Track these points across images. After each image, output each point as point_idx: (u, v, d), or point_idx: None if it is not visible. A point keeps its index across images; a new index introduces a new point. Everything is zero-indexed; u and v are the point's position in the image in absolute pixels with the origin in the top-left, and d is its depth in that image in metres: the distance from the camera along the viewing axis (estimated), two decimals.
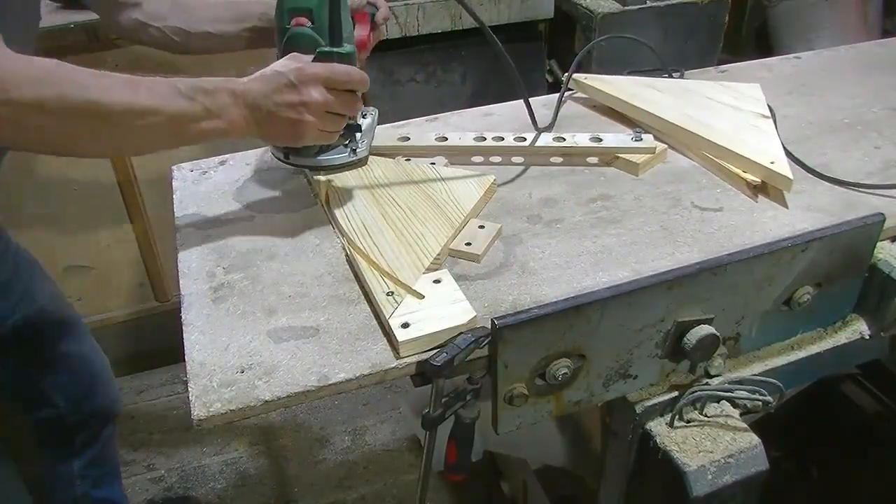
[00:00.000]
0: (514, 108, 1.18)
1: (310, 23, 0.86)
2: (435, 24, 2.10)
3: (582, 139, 1.02)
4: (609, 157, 1.02)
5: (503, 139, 1.03)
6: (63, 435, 1.34)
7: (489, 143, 1.03)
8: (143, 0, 1.05)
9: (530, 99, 1.22)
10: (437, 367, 0.67)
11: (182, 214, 0.95)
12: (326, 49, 0.82)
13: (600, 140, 1.01)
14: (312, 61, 0.81)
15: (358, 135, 0.95)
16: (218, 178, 1.03)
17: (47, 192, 1.77)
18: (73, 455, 1.37)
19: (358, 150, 0.96)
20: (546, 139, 1.03)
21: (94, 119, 0.70)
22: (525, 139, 1.03)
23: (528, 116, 1.00)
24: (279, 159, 0.96)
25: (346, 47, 0.83)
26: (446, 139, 1.04)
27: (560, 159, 1.03)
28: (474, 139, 1.04)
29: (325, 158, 0.95)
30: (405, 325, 0.70)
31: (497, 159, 1.04)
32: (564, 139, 1.02)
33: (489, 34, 0.86)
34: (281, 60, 0.81)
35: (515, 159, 1.04)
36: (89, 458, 1.38)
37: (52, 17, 1.63)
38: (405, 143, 1.05)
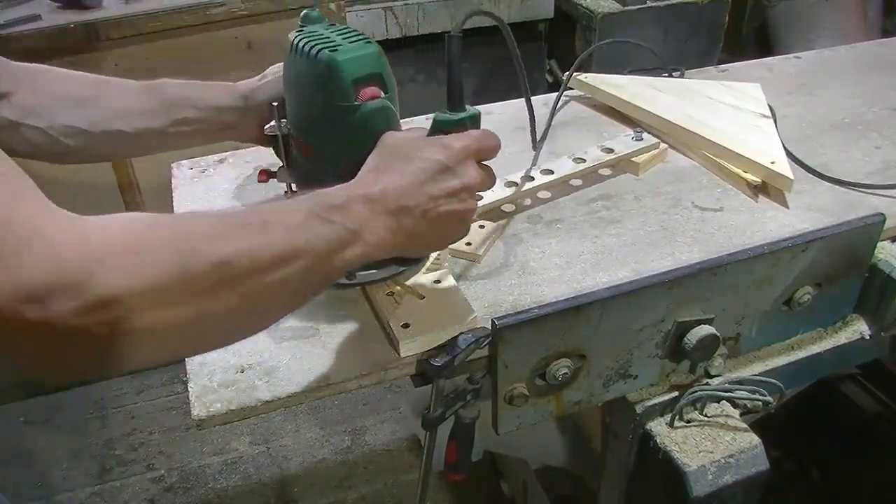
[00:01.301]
0: (514, 107, 1.18)
1: (382, 92, 0.67)
2: (435, 24, 2.10)
3: (594, 153, 0.98)
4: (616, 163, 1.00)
5: (533, 178, 0.93)
6: None
7: (519, 188, 0.92)
8: (13, 90, 0.74)
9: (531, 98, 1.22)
10: (438, 367, 0.67)
11: (181, 213, 0.94)
12: (459, 115, 0.65)
13: (612, 150, 0.98)
14: (431, 133, 0.64)
15: None
16: (217, 177, 1.03)
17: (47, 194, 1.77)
18: None
19: None
20: (568, 164, 0.96)
21: (223, 289, 0.48)
22: (552, 171, 0.94)
23: (530, 115, 0.94)
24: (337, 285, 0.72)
25: (473, 108, 0.66)
26: (481, 197, 0.85)
27: (580, 181, 0.97)
28: (505, 184, 0.92)
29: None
30: (405, 325, 0.70)
31: (528, 201, 0.94)
32: (584, 160, 0.97)
33: (508, 36, 0.75)
34: (388, 143, 0.63)
35: (542, 194, 0.95)
36: None
37: (51, 16, 1.63)
38: None
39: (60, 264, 0.41)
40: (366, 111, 0.66)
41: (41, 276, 0.40)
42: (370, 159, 0.63)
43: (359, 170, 0.63)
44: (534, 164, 0.97)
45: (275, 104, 0.75)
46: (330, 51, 0.65)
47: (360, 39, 0.67)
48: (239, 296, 0.49)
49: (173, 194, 0.99)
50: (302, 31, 0.70)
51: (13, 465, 1.86)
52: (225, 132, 0.83)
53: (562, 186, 0.96)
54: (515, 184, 0.93)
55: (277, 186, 1.00)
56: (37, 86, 0.76)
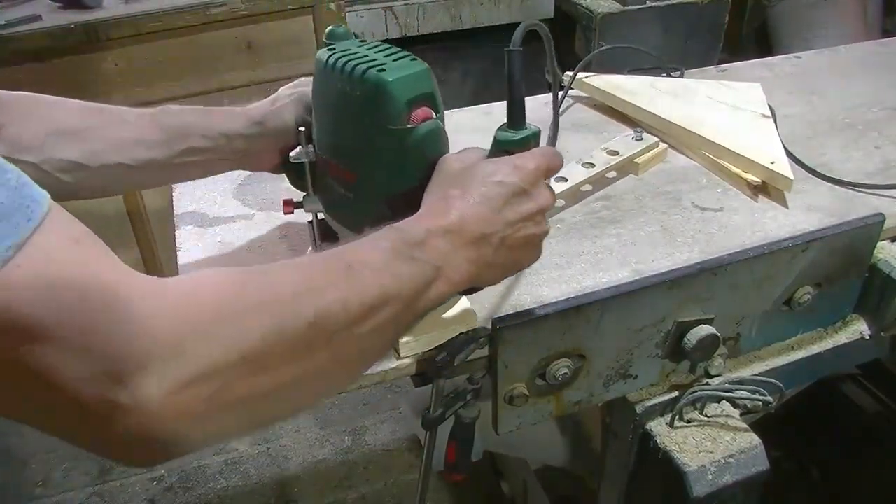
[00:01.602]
0: None
1: (434, 112, 0.63)
2: (435, 23, 2.10)
3: (601, 157, 0.97)
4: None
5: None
6: None
7: None
8: (2, 122, 0.67)
9: (531, 98, 1.22)
10: (438, 367, 0.67)
11: (181, 213, 0.94)
12: (522, 134, 0.61)
13: (617, 153, 0.98)
14: (493, 154, 0.61)
15: None
16: (218, 177, 1.02)
17: None
18: None
19: None
20: (579, 169, 0.95)
21: (318, 347, 0.46)
22: (566, 179, 0.92)
23: (555, 125, 0.90)
24: None
25: (533, 125, 0.63)
26: None
27: (590, 186, 0.96)
28: None
29: None
30: None
31: None
32: (593, 164, 0.95)
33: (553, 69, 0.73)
34: (453, 168, 0.60)
35: (558, 203, 0.92)
36: None
37: (52, 16, 1.63)
38: None
39: (151, 338, 0.37)
40: (420, 134, 0.62)
41: (130, 354, 0.37)
42: (435, 186, 0.60)
43: (410, 194, 0.61)
44: None
45: (301, 129, 0.71)
46: (378, 70, 0.60)
47: (404, 57, 0.63)
48: (333, 351, 0.46)
49: (173, 195, 0.99)
50: (333, 49, 0.65)
51: (13, 465, 1.86)
52: (236, 161, 0.78)
53: (574, 193, 0.94)
54: None
55: (270, 178, 0.99)
56: (28, 117, 0.70)
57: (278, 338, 0.42)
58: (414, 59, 0.63)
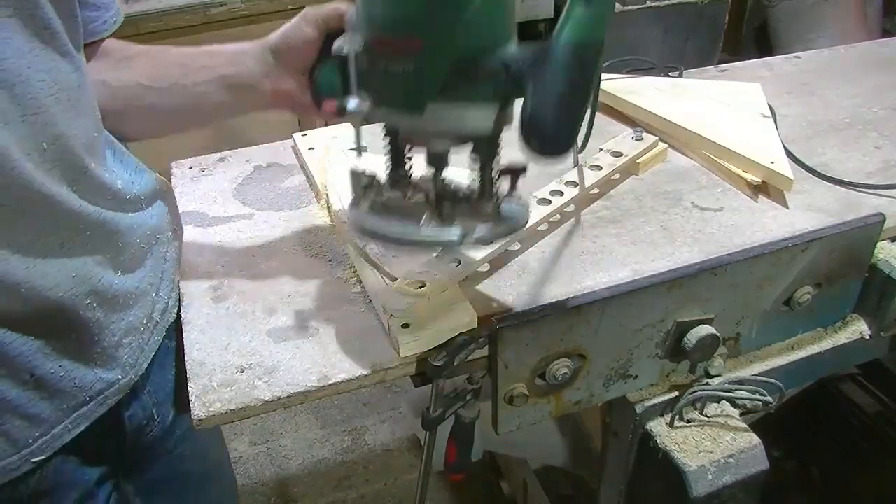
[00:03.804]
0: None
1: None
2: None
3: (606, 158, 0.96)
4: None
5: (562, 193, 0.89)
6: None
7: (552, 206, 0.87)
8: (133, 65, 0.76)
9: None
10: (437, 367, 0.67)
11: (181, 212, 0.94)
12: None
13: (620, 154, 0.97)
14: (567, 15, 0.55)
15: None
16: (217, 176, 1.03)
17: None
18: None
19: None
20: (587, 174, 0.93)
21: None
22: (575, 183, 0.91)
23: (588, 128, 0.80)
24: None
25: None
26: None
27: (597, 189, 0.94)
28: (538, 202, 0.87)
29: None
30: (405, 325, 0.70)
31: (557, 216, 0.88)
32: (600, 166, 0.94)
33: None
34: None
35: (569, 207, 0.91)
36: None
37: None
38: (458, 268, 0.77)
39: None
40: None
41: None
42: None
43: (480, 61, 0.56)
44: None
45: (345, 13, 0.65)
46: None
47: None
48: None
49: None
50: None
51: None
52: (253, 86, 0.73)
53: (585, 198, 0.93)
54: (548, 201, 0.88)
55: (274, 178, 0.99)
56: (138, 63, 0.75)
57: None
58: None
